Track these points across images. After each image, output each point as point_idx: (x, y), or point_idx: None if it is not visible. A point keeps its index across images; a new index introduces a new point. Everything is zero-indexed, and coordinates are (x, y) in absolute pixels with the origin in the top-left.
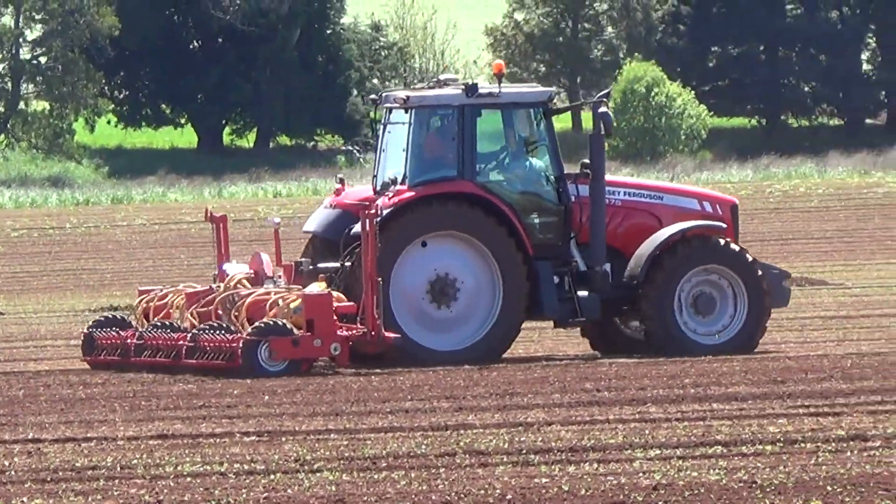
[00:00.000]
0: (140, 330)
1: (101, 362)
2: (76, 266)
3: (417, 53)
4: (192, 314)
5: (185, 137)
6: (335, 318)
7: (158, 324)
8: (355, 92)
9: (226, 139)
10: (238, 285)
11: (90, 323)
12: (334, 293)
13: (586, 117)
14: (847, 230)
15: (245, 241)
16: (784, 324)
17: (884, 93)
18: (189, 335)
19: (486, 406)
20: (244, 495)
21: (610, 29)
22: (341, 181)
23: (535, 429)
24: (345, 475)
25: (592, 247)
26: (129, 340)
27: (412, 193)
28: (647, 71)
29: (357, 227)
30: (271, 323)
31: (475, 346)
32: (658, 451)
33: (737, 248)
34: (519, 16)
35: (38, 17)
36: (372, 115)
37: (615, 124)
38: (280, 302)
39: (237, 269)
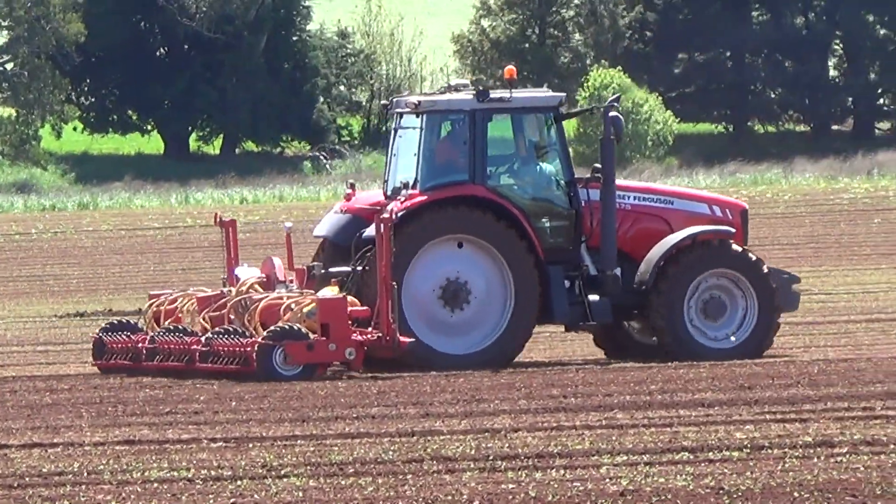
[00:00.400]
0: (151, 334)
1: (111, 366)
2: (42, 272)
3: (384, 60)
4: (203, 318)
5: (151, 144)
6: (349, 322)
7: (170, 328)
8: (322, 99)
9: (192, 145)
10: (250, 290)
11: (101, 327)
12: (348, 297)
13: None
14: (813, 236)
15: (212, 247)
16: None
17: (850, 99)
18: (203, 339)
19: (452, 412)
20: (211, 501)
21: (577, 35)
22: (352, 186)
23: (501, 435)
24: (312, 481)
25: (603, 251)
26: (140, 344)
27: (424, 198)
28: (614, 77)
29: (368, 232)
30: (286, 327)
31: (487, 350)
32: (625, 458)
33: (747, 253)
34: (486, 22)
35: (4, 23)
36: (339, 121)
37: (625, 129)
38: (294, 306)
39: (249, 273)
